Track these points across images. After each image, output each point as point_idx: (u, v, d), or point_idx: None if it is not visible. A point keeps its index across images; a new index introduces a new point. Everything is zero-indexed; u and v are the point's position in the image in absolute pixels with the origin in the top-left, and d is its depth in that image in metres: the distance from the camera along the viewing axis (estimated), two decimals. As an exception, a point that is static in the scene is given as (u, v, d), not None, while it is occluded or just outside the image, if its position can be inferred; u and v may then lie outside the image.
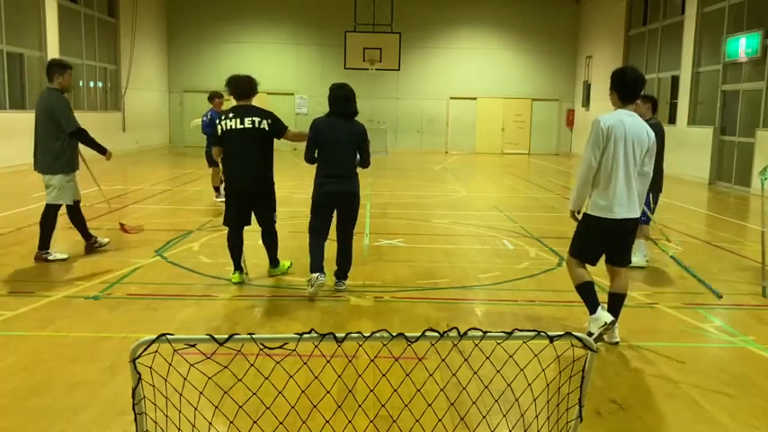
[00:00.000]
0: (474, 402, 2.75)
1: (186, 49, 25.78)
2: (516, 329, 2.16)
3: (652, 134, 4.54)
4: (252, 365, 2.66)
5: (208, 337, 1.99)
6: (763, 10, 14.69)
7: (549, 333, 2.12)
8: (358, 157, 5.83)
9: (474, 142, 27.03)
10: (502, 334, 2.14)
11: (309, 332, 2.05)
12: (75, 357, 4.25)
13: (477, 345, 2.15)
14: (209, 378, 2.49)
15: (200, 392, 2.47)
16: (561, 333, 2.12)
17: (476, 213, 10.71)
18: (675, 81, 18.69)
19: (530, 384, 2.55)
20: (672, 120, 18.82)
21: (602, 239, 4.63)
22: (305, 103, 24.66)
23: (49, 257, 6.73)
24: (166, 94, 26.02)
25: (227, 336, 1.99)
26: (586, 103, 25.23)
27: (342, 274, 5.98)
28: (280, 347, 2.06)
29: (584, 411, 2.28)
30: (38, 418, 3.40)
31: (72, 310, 5.22)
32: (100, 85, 21.08)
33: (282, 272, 6.43)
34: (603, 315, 4.61)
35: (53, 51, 17.23)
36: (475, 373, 2.69)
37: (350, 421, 2.82)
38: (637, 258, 6.79)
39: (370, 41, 22.87)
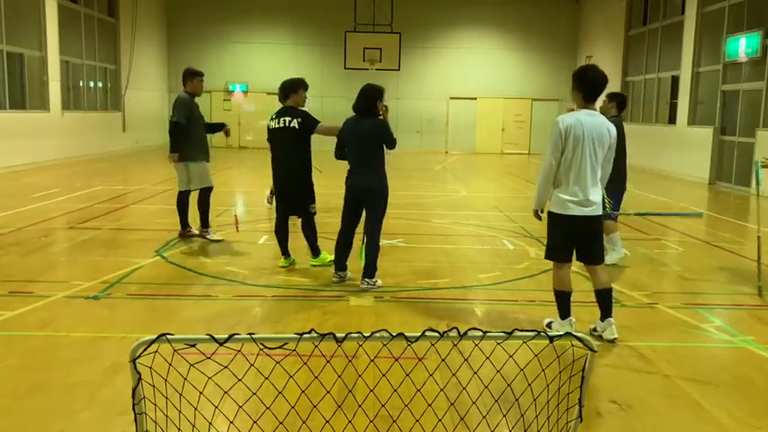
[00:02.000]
0: (474, 402, 2.75)
1: (186, 49, 25.75)
2: (516, 329, 2.16)
3: (614, 131, 4.59)
4: (252, 365, 2.66)
5: (208, 337, 1.99)
6: (763, 10, 14.69)
7: (549, 333, 2.13)
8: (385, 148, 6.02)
9: (474, 142, 27.03)
10: (502, 334, 2.14)
11: (309, 332, 2.05)
12: (75, 357, 4.25)
13: (477, 345, 2.15)
14: (209, 378, 2.48)
15: (200, 392, 2.47)
16: (561, 333, 2.12)
17: (476, 213, 10.71)
18: (675, 81, 18.68)
19: (530, 384, 2.55)
20: (672, 120, 18.82)
21: (566, 236, 4.67)
22: (305, 103, 24.62)
23: (208, 236, 7.81)
24: (166, 94, 26.00)
25: (227, 336, 1.99)
26: (586, 103, 25.19)
27: (366, 272, 5.95)
28: (280, 347, 2.06)
29: (584, 411, 2.28)
30: (38, 418, 3.40)
31: (72, 310, 5.22)
32: (100, 85, 21.08)
33: (323, 263, 6.60)
34: (567, 327, 4.72)
35: (53, 51, 17.23)
36: (475, 373, 2.69)
37: (350, 421, 2.82)
38: (614, 255, 6.87)
39: (370, 41, 22.86)
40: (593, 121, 4.54)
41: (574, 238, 4.67)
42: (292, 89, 6.51)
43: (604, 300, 4.72)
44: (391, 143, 5.95)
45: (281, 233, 6.66)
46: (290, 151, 6.44)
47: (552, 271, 4.87)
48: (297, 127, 6.35)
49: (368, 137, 5.90)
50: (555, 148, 4.55)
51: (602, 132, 4.54)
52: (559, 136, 4.53)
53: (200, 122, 7.84)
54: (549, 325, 4.91)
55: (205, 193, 7.88)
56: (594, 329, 4.81)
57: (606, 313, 4.73)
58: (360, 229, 6.15)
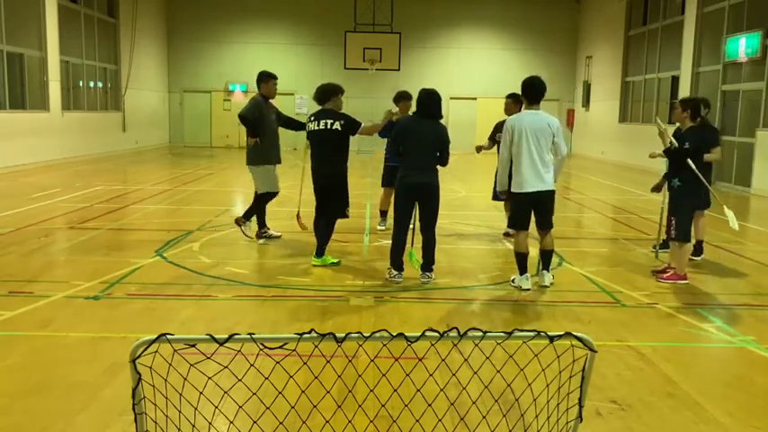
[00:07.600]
0: (474, 402, 2.76)
1: (186, 49, 25.77)
2: (516, 329, 2.16)
3: (554, 123, 5.88)
4: (252, 365, 2.66)
5: (208, 337, 1.99)
6: (763, 10, 14.68)
7: (549, 333, 2.12)
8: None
9: (474, 142, 26.92)
10: (502, 334, 2.14)
11: (309, 332, 2.05)
12: (75, 357, 4.25)
13: (477, 345, 2.15)
14: (209, 378, 2.49)
15: (201, 392, 2.47)
16: (561, 333, 2.12)
17: (476, 213, 10.72)
18: (675, 81, 18.68)
19: (530, 384, 2.55)
20: (672, 120, 18.80)
21: (522, 208, 6.02)
22: (305, 103, 24.62)
23: (245, 230, 7.89)
24: (166, 94, 26.02)
25: (227, 336, 1.99)
26: (586, 103, 25.22)
27: (427, 266, 6.31)
28: (280, 347, 2.06)
29: (584, 411, 2.28)
30: (38, 418, 3.40)
31: (72, 310, 5.22)
32: (100, 85, 21.08)
33: (323, 264, 6.71)
34: (525, 282, 6.00)
35: (53, 51, 17.23)
36: (475, 372, 2.69)
37: (350, 421, 2.82)
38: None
39: (370, 41, 22.84)
40: (534, 118, 5.85)
41: (528, 210, 5.99)
42: (334, 93, 6.73)
43: (547, 258, 6.14)
44: (447, 155, 6.33)
45: (318, 230, 6.83)
46: (330, 153, 6.64)
47: (513, 237, 6.26)
48: (340, 129, 6.56)
49: (432, 140, 6.18)
50: (504, 143, 5.93)
51: (542, 126, 5.81)
52: (507, 133, 5.88)
53: (271, 126, 7.78)
54: (512, 281, 6.16)
55: (266, 197, 7.93)
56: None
57: (545, 266, 6.13)
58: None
